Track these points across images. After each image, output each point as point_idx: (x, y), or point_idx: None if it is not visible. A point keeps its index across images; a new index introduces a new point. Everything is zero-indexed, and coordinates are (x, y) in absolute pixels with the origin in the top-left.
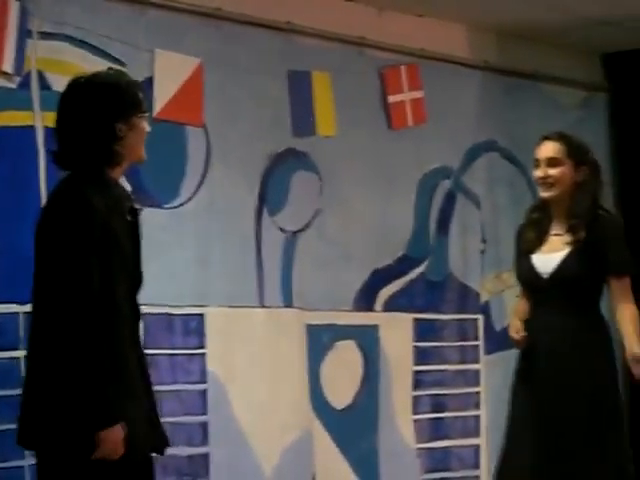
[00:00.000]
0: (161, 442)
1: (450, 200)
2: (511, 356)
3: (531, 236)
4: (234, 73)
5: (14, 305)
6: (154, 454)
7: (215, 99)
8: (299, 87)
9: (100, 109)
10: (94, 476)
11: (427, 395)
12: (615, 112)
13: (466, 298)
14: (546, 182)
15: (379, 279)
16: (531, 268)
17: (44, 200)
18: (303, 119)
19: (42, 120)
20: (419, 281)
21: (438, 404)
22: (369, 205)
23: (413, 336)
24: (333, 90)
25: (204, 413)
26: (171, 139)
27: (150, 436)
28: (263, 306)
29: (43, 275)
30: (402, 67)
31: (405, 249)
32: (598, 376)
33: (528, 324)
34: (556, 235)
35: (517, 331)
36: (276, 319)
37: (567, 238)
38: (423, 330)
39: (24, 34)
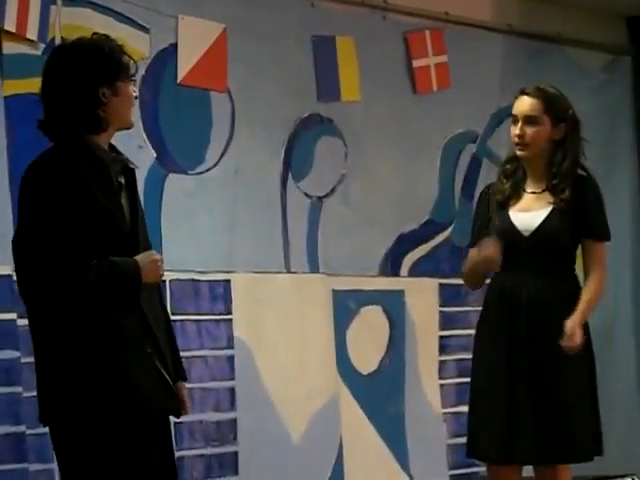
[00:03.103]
0: (176, 405)
1: (475, 165)
2: None
3: (506, 189)
4: (258, 39)
5: None
6: (171, 417)
7: (239, 65)
8: (323, 52)
9: (83, 74)
10: (110, 440)
11: (453, 360)
12: None
13: None
14: (522, 141)
15: (404, 244)
16: (510, 224)
17: None
18: (327, 84)
19: None
20: (444, 246)
21: (464, 369)
22: (394, 170)
23: (439, 301)
24: (357, 55)
25: (232, 379)
26: (195, 105)
27: (162, 397)
28: (289, 272)
29: (17, 244)
30: (426, 31)
31: (430, 214)
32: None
33: (499, 280)
34: (532, 193)
35: (491, 247)
36: (302, 285)
37: (548, 197)
38: (449, 295)
39: (48, 0)
